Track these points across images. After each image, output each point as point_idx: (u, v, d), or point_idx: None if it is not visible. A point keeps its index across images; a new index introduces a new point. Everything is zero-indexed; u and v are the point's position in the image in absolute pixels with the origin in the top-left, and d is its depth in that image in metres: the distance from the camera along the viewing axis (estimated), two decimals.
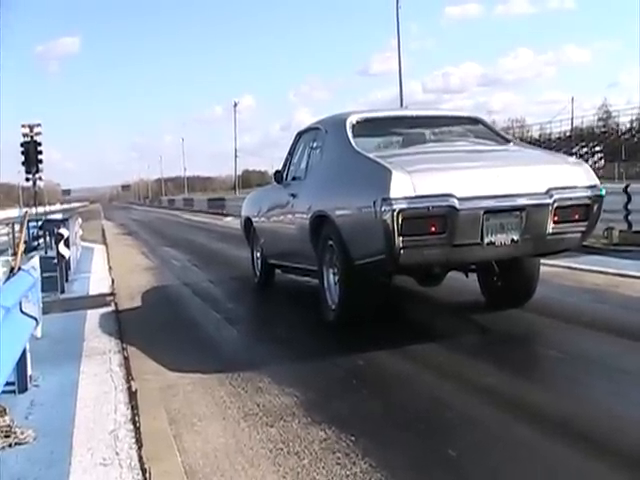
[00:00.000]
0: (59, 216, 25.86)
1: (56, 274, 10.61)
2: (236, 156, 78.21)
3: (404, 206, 5.47)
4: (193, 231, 26.26)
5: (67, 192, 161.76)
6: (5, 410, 4.69)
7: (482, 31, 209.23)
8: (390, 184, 5.54)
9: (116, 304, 9.44)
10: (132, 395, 5.20)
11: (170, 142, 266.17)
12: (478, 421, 4.23)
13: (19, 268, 5.35)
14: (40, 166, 28.42)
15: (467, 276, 7.19)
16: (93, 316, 8.66)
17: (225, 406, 4.83)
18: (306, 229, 7.22)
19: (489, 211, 5.75)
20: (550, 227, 5.99)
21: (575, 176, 6.23)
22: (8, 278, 5.30)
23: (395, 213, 5.43)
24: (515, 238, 5.87)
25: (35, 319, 5.25)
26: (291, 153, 8.77)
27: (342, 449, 3.91)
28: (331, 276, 6.84)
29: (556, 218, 5.97)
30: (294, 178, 8.35)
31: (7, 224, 21.72)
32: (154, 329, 7.74)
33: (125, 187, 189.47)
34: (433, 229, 5.61)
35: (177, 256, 16.29)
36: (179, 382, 5.52)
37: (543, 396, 4.61)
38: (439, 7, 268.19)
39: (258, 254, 10.01)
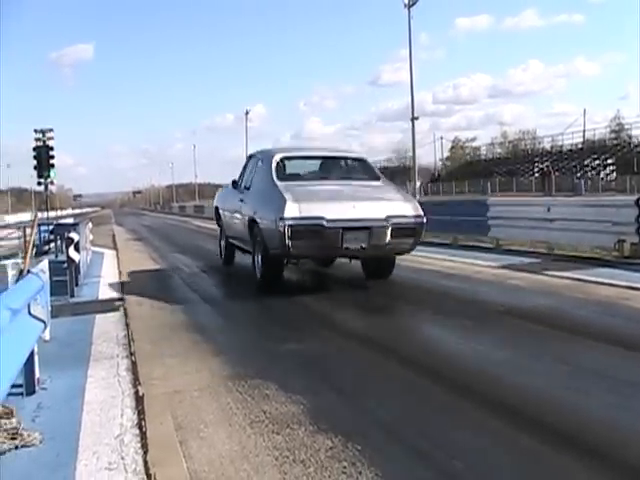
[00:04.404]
0: (70, 220, 25.93)
1: (66, 278, 10.64)
2: None
3: (292, 223, 9.10)
4: (203, 237, 26.24)
5: (79, 197, 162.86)
6: (12, 412, 4.69)
7: (492, 43, 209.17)
8: (285, 209, 9.18)
9: (125, 309, 9.45)
10: (139, 400, 5.19)
11: (181, 149, 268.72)
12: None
13: (28, 271, 5.35)
14: (52, 171, 28.57)
15: (350, 261, 11.35)
16: (102, 320, 8.68)
17: (231, 413, 4.81)
18: (246, 225, 10.88)
19: (346, 228, 9.22)
20: (387, 240, 9.48)
21: (406, 209, 9.79)
22: (17, 281, 5.29)
23: (286, 226, 9.08)
24: (363, 246, 9.37)
25: (43, 322, 5.24)
26: (244, 168, 12.62)
27: (348, 458, 3.89)
28: (258, 257, 10.43)
29: (392, 235, 9.44)
30: (244, 187, 11.78)
31: (18, 228, 21.80)
32: (162, 334, 7.72)
33: (136, 193, 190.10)
34: (310, 237, 9.18)
35: (186, 262, 16.29)
36: (186, 388, 5.50)
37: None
38: (449, 18, 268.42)
39: (222, 234, 14.29)
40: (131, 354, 6.75)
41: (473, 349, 6.46)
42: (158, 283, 12.53)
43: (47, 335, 5.78)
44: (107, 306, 9.77)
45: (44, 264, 6.03)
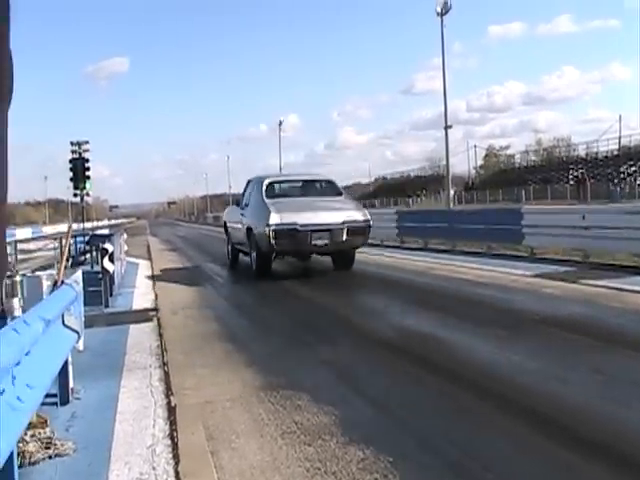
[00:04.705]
0: (105, 231, 26.22)
1: (101, 288, 10.73)
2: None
3: (275, 228, 12.63)
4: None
5: (115, 208, 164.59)
6: (46, 422, 4.73)
7: (526, 50, 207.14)
8: (270, 218, 12.71)
9: (158, 319, 9.51)
10: (171, 410, 5.21)
11: (215, 159, 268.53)
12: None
13: (62, 282, 5.39)
14: (87, 182, 28.91)
15: (321, 256, 14.70)
16: (135, 330, 8.74)
17: (263, 423, 4.80)
18: (245, 233, 14.41)
19: (313, 231, 12.71)
20: (344, 238, 13.03)
21: (357, 216, 13.44)
22: (52, 292, 5.33)
23: (271, 230, 12.59)
24: (327, 243, 12.92)
25: (77, 332, 5.28)
26: (245, 190, 16.32)
27: (380, 470, 3.85)
28: (253, 254, 13.90)
29: (347, 234, 12.97)
30: (244, 205, 15.37)
31: (55, 239, 22.06)
32: (195, 344, 7.75)
33: (171, 204, 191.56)
34: (288, 237, 12.65)
35: (220, 272, 16.37)
36: (218, 398, 5.51)
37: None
38: (482, 26, 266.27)
39: (226, 239, 18.03)
40: (164, 364, 6.78)
41: (507, 358, 6.38)
42: (191, 293, 12.60)
43: (81, 345, 5.83)
44: (141, 316, 9.84)
45: (78, 275, 6.08)
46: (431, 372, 6.06)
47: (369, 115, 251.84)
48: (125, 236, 20.19)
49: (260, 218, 13.38)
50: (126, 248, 19.23)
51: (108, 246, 11.34)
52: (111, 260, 11.35)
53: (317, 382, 5.86)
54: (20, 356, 3.27)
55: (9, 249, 19.14)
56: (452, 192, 44.33)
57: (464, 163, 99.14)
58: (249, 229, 14.06)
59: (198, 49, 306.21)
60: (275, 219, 12.87)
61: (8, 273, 5.90)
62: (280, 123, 79.64)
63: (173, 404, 5.39)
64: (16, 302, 5.52)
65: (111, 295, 11.45)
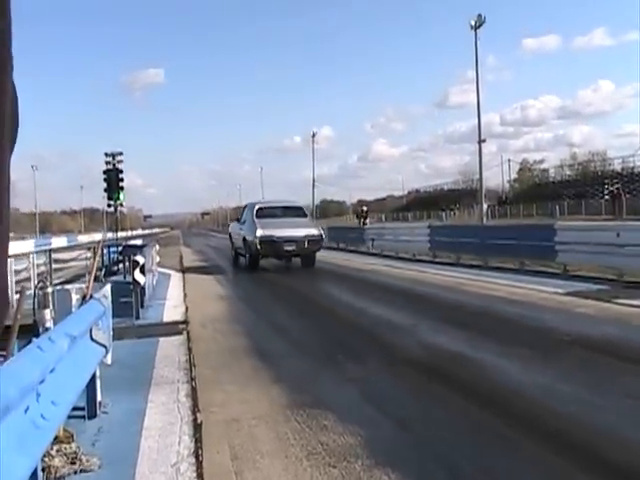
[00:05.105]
0: (139, 242, 26.42)
1: (132, 299, 10.78)
2: (314, 186, 78.24)
3: (260, 238, 19.21)
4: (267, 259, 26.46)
5: (149, 217, 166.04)
6: (72, 436, 4.73)
7: (561, 63, 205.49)
8: (257, 232, 19.37)
9: (188, 332, 9.52)
10: (197, 427, 5.19)
11: (249, 171, 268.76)
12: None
13: (90, 296, 5.42)
14: (121, 193, 29.22)
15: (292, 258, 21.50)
16: (165, 343, 8.75)
17: (288, 443, 4.76)
18: (242, 241, 20.74)
19: (285, 241, 19.17)
20: (306, 246, 19.50)
21: (315, 231, 20.01)
22: (80, 305, 5.36)
23: (258, 240, 19.21)
24: (294, 248, 19.41)
25: (105, 347, 5.29)
26: (243, 211, 22.94)
27: None
28: (247, 255, 20.31)
29: (307, 243, 19.47)
30: (242, 222, 21.56)
31: (89, 248, 22.27)
32: (223, 359, 7.74)
33: (205, 214, 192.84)
34: (268, 245, 19.17)
35: (250, 285, 16.42)
36: (244, 416, 5.48)
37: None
38: (516, 39, 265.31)
39: (231, 246, 24.30)
40: (192, 379, 6.77)
41: (536, 381, 6.27)
42: (221, 305, 12.63)
43: (109, 359, 5.84)
44: (171, 329, 9.86)
45: (106, 289, 6.10)
46: (457, 393, 5.98)
47: (403, 128, 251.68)
48: (157, 247, 20.33)
49: (251, 231, 20.05)
50: (158, 259, 19.34)
51: (139, 258, 11.41)
52: (142, 272, 11.40)
53: (344, 401, 5.81)
54: (44, 374, 3.27)
55: (43, 258, 19.37)
56: (485, 206, 44.02)
57: (498, 177, 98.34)
58: (244, 239, 20.83)
59: (233, 61, 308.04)
60: (260, 232, 19.55)
61: (40, 284, 5.95)
62: (313, 135, 79.95)
63: (199, 421, 5.37)
64: (48, 313, 5.57)
65: (142, 307, 11.50)
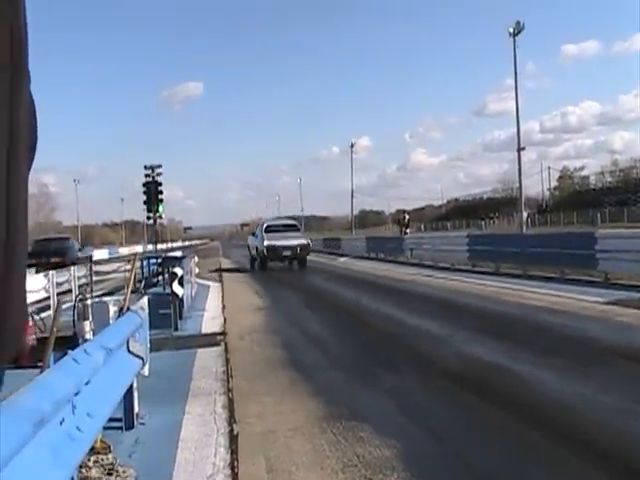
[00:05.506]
0: (178, 253, 26.65)
1: (171, 311, 10.86)
2: (353, 196, 78.14)
3: (267, 247, 27.40)
4: (306, 271, 26.52)
5: (189, 229, 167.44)
6: (110, 447, 4.76)
7: (601, 68, 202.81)
8: (264, 242, 27.64)
9: (226, 344, 9.54)
10: (233, 439, 5.19)
11: (287, 182, 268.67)
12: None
13: (128, 308, 5.46)
14: (160, 206, 29.48)
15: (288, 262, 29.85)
16: (203, 355, 8.79)
17: (324, 455, 4.73)
18: (255, 249, 29.62)
19: (283, 248, 27.48)
20: (298, 251, 27.80)
21: (304, 241, 28.44)
22: (118, 317, 5.40)
23: (265, 248, 27.39)
24: (290, 253, 27.77)
25: (142, 359, 5.32)
26: (257, 228, 32.46)
27: None
28: (258, 259, 29.22)
29: (299, 250, 27.75)
30: (255, 235, 30.61)
31: (128, 261, 22.48)
32: (260, 371, 7.75)
33: (244, 225, 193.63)
34: (273, 251, 27.50)
35: (289, 296, 16.43)
36: (280, 427, 5.47)
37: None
38: (556, 45, 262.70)
39: (248, 254, 32.22)
40: (229, 390, 6.78)
41: (578, 392, 6.15)
42: (260, 317, 12.66)
43: (146, 371, 5.85)
44: (209, 340, 9.90)
45: (143, 301, 6.14)
46: (496, 405, 5.88)
47: (441, 137, 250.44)
48: (196, 259, 20.47)
49: (261, 242, 27.82)
50: (197, 271, 19.48)
51: (178, 270, 11.50)
52: (181, 284, 11.49)
53: (380, 413, 5.77)
54: (80, 386, 3.29)
55: (84, 270, 19.61)
56: (525, 215, 43.58)
57: (538, 185, 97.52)
58: (256, 247, 29.04)
59: (269, 72, 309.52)
60: (267, 243, 27.30)
61: (80, 297, 6.01)
62: (352, 145, 79.68)
63: (235, 432, 5.37)
64: (87, 325, 5.64)
65: (180, 318, 11.57)
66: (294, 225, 31.96)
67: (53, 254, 28.51)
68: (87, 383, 3.52)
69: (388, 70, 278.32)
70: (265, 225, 29.92)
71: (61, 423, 3.08)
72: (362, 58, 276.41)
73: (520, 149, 37.80)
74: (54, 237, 36.77)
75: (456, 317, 11.26)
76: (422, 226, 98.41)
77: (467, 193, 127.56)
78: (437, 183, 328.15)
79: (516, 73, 37.50)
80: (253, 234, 32.09)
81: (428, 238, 33.10)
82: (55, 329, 4.38)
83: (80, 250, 33.75)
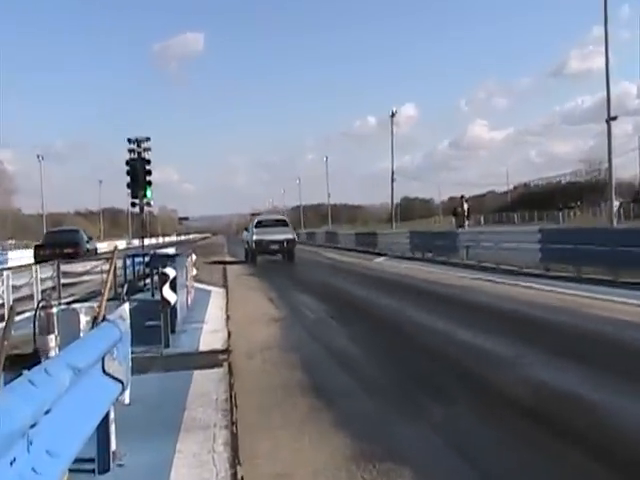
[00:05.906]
0: (171, 250, 26.66)
1: (160, 323, 10.83)
2: (393, 180, 77.43)
3: (256, 241, 39.30)
4: (334, 274, 26.59)
5: (185, 220, 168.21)
6: None
7: None
8: (254, 236, 39.83)
9: (230, 365, 9.54)
10: None
11: (311, 162, 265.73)
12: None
13: (103, 318, 5.44)
14: (148, 189, 28.41)
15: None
16: (200, 378, 8.81)
17: None
18: (247, 242, 42.47)
19: (271, 242, 39.32)
20: (285, 245, 39.72)
21: (291, 236, 40.77)
22: (90, 329, 5.38)
23: (255, 240, 39.30)
24: (277, 247, 39.81)
25: (121, 382, 5.31)
26: (250, 223, 47.56)
27: None
28: (249, 252, 41.03)
29: (286, 243, 39.74)
30: (248, 230, 43.57)
31: (106, 259, 22.54)
32: (272, 399, 7.73)
33: (254, 215, 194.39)
34: (261, 245, 39.23)
35: (311, 305, 16.48)
36: (297, 470, 5.44)
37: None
38: None
39: (245, 247, 43.72)
40: (232, 423, 6.77)
41: (623, 407, 6.16)
42: (274, 331, 12.66)
43: (127, 398, 5.84)
44: (208, 360, 9.91)
45: (124, 309, 6.11)
46: (572, 447, 5.81)
47: (507, 105, 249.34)
48: (194, 257, 20.50)
49: (251, 236, 38.39)
50: (195, 272, 19.51)
51: (169, 271, 11.44)
52: (173, 288, 11.46)
53: (425, 453, 5.73)
54: (37, 416, 3.26)
55: (50, 271, 19.69)
56: (617, 204, 43.24)
57: (634, 166, 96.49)
58: (247, 241, 40.25)
59: (290, 23, 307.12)
60: (256, 237, 37.82)
61: (42, 303, 5.99)
62: (392, 115, 78.73)
63: (239, 476, 5.34)
64: (52, 340, 5.60)
65: (173, 332, 11.57)
66: (283, 220, 44.80)
67: (66, 245, 39.09)
68: (47, 412, 3.50)
69: (436, 19, 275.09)
70: (256, 221, 42.47)
71: (11, 464, 3.05)
72: (408, 9, 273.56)
73: (610, 119, 37.41)
74: (64, 229, 52.35)
75: (523, 334, 11.17)
76: (481, 218, 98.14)
77: (540, 177, 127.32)
78: (501, 164, 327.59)
79: (606, 20, 36.92)
80: (246, 229, 44.84)
81: (489, 233, 32.91)
82: (6, 342, 4.33)
83: (88, 242, 45.16)
